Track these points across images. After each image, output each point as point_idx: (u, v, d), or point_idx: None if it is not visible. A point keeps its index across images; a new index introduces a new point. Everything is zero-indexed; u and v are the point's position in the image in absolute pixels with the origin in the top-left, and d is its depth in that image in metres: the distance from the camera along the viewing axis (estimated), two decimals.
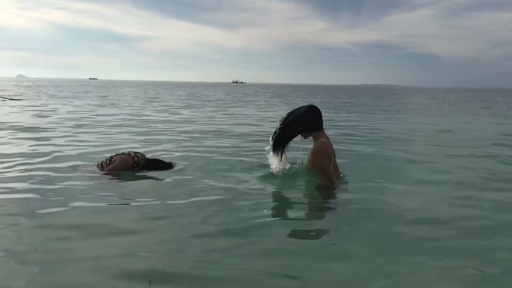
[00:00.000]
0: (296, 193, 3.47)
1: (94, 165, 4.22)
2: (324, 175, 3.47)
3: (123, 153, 4.20)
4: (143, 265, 2.08)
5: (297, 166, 3.76)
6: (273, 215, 2.99)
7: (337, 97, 30.56)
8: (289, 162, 3.73)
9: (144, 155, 4.26)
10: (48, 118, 9.79)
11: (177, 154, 5.13)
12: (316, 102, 15.94)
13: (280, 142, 3.57)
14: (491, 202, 3.29)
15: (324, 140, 3.53)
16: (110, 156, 4.17)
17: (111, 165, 4.04)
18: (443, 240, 2.51)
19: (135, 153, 4.20)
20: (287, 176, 3.68)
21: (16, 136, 6.50)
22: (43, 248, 2.29)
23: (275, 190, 3.61)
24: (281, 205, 3.31)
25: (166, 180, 3.84)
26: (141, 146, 5.80)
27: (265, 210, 3.02)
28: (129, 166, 4.06)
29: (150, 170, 4.12)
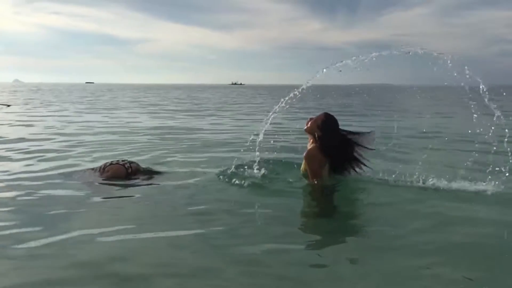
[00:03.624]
0: (291, 203, 3.33)
1: (88, 169, 4.15)
2: (313, 177, 3.44)
3: (117, 162, 4.01)
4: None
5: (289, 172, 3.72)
6: (267, 228, 2.84)
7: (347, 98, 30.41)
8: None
9: (139, 165, 4.10)
10: (34, 127, 9.49)
11: (167, 160, 4.98)
12: (328, 105, 15.71)
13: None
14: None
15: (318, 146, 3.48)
16: (104, 164, 4.00)
17: (103, 175, 3.90)
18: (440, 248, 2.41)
19: (130, 163, 4.03)
20: (281, 182, 3.63)
21: None
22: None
23: (270, 198, 3.48)
24: (274, 216, 3.11)
25: (154, 191, 3.64)
26: (132, 152, 5.64)
27: (260, 222, 2.94)
28: (122, 177, 3.88)
29: (143, 179, 3.94)
